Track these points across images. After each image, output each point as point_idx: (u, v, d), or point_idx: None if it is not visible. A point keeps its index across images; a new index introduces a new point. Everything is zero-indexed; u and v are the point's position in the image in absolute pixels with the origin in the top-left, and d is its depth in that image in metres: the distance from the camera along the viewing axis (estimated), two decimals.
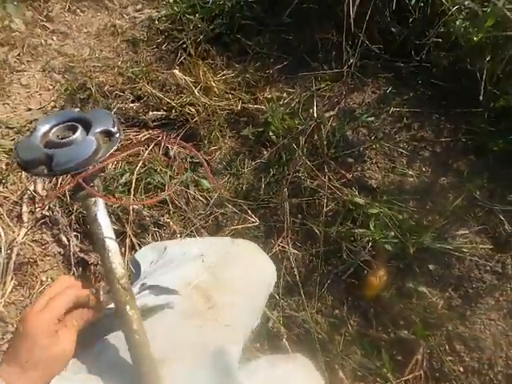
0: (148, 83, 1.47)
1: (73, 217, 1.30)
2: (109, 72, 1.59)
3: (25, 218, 1.32)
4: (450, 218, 1.09)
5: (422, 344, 1.01)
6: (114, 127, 0.63)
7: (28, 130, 1.48)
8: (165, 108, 1.40)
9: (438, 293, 1.05)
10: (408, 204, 1.12)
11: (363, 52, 1.39)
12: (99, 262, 1.24)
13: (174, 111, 1.39)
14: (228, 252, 0.76)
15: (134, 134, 1.39)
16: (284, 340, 1.11)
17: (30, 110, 1.54)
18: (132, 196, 1.28)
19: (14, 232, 1.31)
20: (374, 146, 1.23)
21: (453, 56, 1.28)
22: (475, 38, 1.15)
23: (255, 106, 1.44)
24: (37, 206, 1.34)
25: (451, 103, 1.26)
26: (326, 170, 1.24)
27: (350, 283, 1.13)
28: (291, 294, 1.17)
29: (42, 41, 1.69)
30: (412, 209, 1.11)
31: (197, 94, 1.36)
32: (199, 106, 1.37)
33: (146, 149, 1.38)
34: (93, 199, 0.63)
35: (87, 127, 0.63)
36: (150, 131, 1.40)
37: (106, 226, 0.63)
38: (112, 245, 0.61)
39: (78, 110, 0.68)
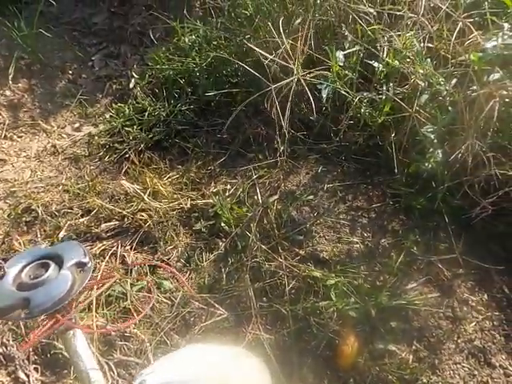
0: (96, 196, 1.51)
1: (30, 348, 1.22)
2: (53, 191, 1.61)
3: None
4: (398, 275, 1.20)
5: None
6: (85, 257, 0.68)
7: None
8: (116, 217, 1.44)
9: (406, 348, 1.12)
10: (359, 269, 1.23)
11: (291, 139, 1.58)
12: None
13: (126, 219, 1.43)
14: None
15: (88, 247, 1.39)
16: None
17: None
18: (94, 312, 1.25)
19: None
20: (318, 221, 1.35)
21: (365, 134, 1.50)
22: (379, 120, 1.39)
23: (203, 201, 1.53)
24: None
25: (374, 173, 1.46)
26: (281, 251, 1.32)
27: (325, 356, 1.16)
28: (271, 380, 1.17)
29: None
30: (364, 273, 1.22)
31: (147, 199, 1.43)
32: (150, 210, 1.44)
33: (102, 261, 1.38)
34: (71, 332, 0.65)
35: (58, 262, 0.67)
36: (104, 242, 1.41)
37: (86, 357, 0.64)
38: (96, 375, 0.62)
39: (44, 245, 0.71)
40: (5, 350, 1.23)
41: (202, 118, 1.79)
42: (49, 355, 1.22)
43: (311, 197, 1.42)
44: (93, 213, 1.47)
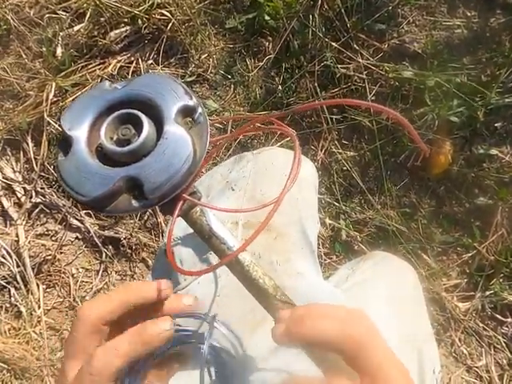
0: None
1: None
2: None
3: (13, 215, 1.07)
4: (508, 66, 0.96)
5: (500, 205, 0.99)
6: (190, 98, 0.41)
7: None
8: (125, 20, 1.04)
9: (509, 150, 0.99)
10: (462, 62, 0.98)
11: None
12: (132, 235, 1.06)
13: (139, 22, 1.04)
14: (254, 168, 0.63)
15: (99, 66, 1.06)
16: (359, 244, 1.07)
17: None
18: None
19: (8, 234, 1.06)
20: (404, 1, 1.01)
21: None
22: None
23: None
24: (20, 194, 1.07)
25: None
26: (356, 47, 1.02)
27: (411, 167, 1.04)
28: (351, 196, 1.08)
29: None
30: (469, 67, 0.97)
31: None
32: (170, 5, 1.03)
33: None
34: (197, 210, 0.44)
35: (148, 112, 0.40)
36: (118, 57, 1.06)
37: (228, 237, 0.45)
38: (246, 257, 0.45)
39: (108, 83, 0.42)
40: (44, 199, 1.07)
41: None
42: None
43: None
44: (88, 17, 1.06)
